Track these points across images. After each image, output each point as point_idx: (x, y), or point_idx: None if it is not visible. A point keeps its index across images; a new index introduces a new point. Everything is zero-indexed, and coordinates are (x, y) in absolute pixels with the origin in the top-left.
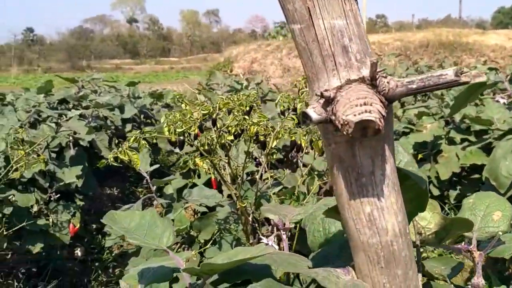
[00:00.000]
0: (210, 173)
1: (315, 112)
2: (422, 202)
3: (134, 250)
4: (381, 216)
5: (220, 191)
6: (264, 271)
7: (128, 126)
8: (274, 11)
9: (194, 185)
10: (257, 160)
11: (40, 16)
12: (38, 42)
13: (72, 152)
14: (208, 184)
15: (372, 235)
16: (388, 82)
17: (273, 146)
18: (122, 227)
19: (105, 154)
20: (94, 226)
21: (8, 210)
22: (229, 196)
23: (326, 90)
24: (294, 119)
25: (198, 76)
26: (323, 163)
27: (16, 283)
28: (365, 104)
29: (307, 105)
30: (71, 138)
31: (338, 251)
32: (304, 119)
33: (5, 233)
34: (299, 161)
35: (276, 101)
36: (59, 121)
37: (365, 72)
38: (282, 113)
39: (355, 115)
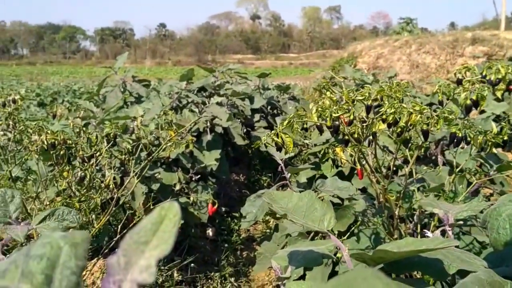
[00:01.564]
0: (342, 164)
1: None
2: None
3: (260, 235)
4: None
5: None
6: (436, 266)
7: (256, 116)
8: (398, 7)
9: (322, 176)
10: (394, 155)
11: (173, 12)
12: (169, 37)
13: (209, 137)
14: (339, 176)
15: None
16: None
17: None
18: (281, 206)
19: (238, 141)
20: (223, 209)
21: (155, 186)
22: (360, 189)
23: None
24: (454, 110)
25: (322, 71)
26: (471, 161)
27: None
28: None
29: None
30: (208, 124)
31: None
32: None
33: (152, 207)
34: (439, 158)
35: (434, 90)
36: (202, 106)
37: None
38: (440, 103)
39: None
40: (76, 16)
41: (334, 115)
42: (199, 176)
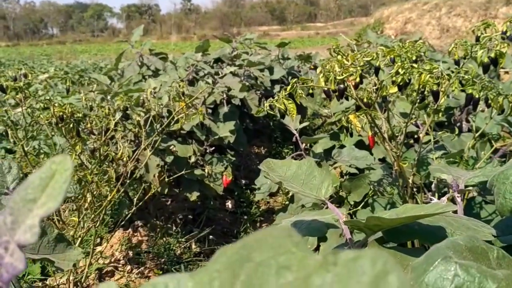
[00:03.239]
0: (360, 133)
1: None
2: None
3: (280, 207)
4: None
5: (370, 154)
6: (438, 233)
7: (277, 87)
8: None
9: (342, 146)
10: (414, 122)
11: None
12: (194, 11)
13: (225, 109)
14: (357, 145)
15: None
16: None
17: (440, 104)
18: (279, 175)
19: (255, 113)
20: (243, 181)
21: (169, 159)
22: (380, 159)
23: None
24: (472, 69)
25: (345, 40)
26: (496, 126)
27: (174, 227)
28: None
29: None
30: (224, 95)
31: None
32: None
33: (166, 179)
34: (464, 124)
35: (450, 49)
36: (216, 77)
37: None
38: (457, 62)
39: None
40: None
41: (338, 77)
42: (213, 148)
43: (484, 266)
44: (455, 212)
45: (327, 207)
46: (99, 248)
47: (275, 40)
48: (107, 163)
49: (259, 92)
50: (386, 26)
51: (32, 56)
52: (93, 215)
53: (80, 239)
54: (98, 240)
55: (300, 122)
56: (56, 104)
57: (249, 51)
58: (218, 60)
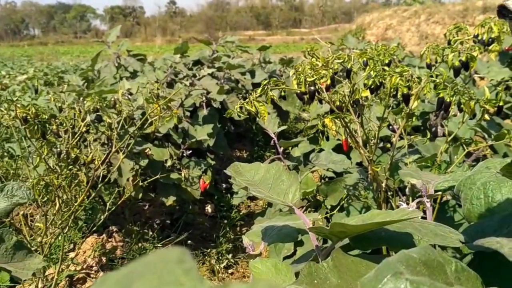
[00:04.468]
0: (338, 137)
1: None
2: None
3: (260, 211)
4: None
5: (348, 158)
6: (405, 240)
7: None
8: None
9: (321, 150)
10: (390, 126)
11: None
12: (179, 14)
13: (205, 112)
14: (336, 149)
15: None
16: None
17: (413, 107)
18: (246, 179)
19: (236, 116)
20: (224, 185)
21: (144, 162)
22: (358, 163)
23: None
24: (443, 73)
25: (327, 45)
26: (469, 131)
27: (151, 232)
28: None
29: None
30: (204, 98)
31: (496, 226)
32: (501, 14)
33: (140, 183)
34: (439, 129)
35: (422, 52)
36: (193, 79)
37: None
38: (428, 66)
39: None
40: None
41: (308, 79)
42: (190, 151)
43: (441, 281)
44: (425, 217)
45: (316, 211)
46: (71, 255)
47: (260, 44)
48: (78, 167)
49: (240, 95)
50: (367, 32)
51: (12, 57)
52: (61, 221)
53: (48, 245)
54: (72, 246)
55: (280, 126)
56: (19, 105)
57: (231, 54)
58: (197, 63)
